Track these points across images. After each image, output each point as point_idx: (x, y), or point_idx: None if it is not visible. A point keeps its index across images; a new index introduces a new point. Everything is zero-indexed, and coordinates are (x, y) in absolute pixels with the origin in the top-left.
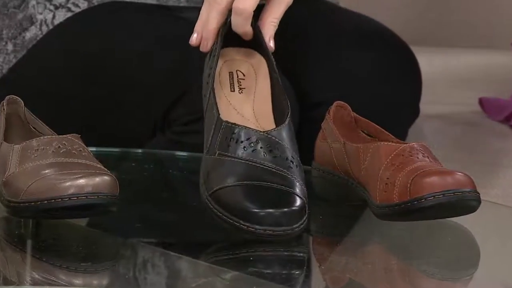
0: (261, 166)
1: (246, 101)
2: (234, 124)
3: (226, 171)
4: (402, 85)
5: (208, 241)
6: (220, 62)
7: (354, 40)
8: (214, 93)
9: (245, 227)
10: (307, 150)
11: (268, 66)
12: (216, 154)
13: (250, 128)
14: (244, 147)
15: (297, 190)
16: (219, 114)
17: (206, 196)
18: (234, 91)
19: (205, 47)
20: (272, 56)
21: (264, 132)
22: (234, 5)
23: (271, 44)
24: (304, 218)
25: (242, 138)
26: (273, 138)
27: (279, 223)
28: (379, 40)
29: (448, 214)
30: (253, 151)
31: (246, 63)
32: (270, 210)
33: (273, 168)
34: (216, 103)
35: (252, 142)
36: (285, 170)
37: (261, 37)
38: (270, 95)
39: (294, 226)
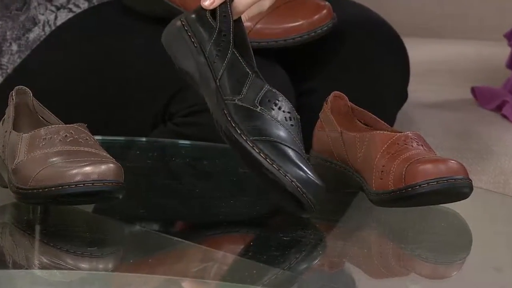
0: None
1: None
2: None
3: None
4: (391, 71)
5: (209, 226)
6: None
7: (345, 28)
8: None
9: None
10: (304, 139)
11: None
12: (258, 109)
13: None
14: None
15: None
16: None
17: (247, 138)
18: None
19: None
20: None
21: None
22: None
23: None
24: None
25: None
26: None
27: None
28: (370, 28)
29: (441, 200)
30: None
31: None
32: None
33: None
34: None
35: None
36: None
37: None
38: None
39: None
